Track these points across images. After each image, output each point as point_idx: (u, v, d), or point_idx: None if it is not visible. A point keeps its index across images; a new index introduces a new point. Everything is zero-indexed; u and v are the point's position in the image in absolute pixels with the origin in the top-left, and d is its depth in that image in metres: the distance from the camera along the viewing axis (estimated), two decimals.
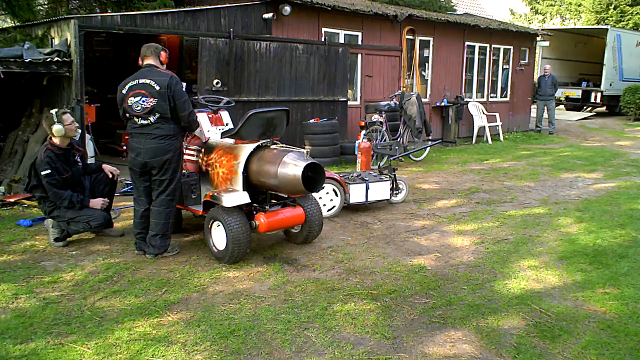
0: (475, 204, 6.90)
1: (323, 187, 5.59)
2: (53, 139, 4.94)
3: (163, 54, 4.72)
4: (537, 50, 17.33)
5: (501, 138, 13.57)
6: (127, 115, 4.58)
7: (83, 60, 7.23)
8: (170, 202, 4.68)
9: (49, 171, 4.81)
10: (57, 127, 4.83)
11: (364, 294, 4.03)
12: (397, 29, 11.42)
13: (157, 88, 4.48)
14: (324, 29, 10.13)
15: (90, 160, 7.83)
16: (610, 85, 19.18)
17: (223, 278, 4.31)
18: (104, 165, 5.39)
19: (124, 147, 7.94)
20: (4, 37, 8.76)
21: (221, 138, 5.20)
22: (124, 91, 4.58)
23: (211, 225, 4.67)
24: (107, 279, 4.25)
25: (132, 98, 4.52)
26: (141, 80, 4.54)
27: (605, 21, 27.30)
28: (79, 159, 5.16)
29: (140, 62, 4.72)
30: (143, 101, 4.48)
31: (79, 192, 5.07)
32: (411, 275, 4.42)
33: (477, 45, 13.51)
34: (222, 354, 3.16)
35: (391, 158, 7.36)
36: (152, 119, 4.50)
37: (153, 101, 4.48)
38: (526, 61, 15.07)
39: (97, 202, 5.13)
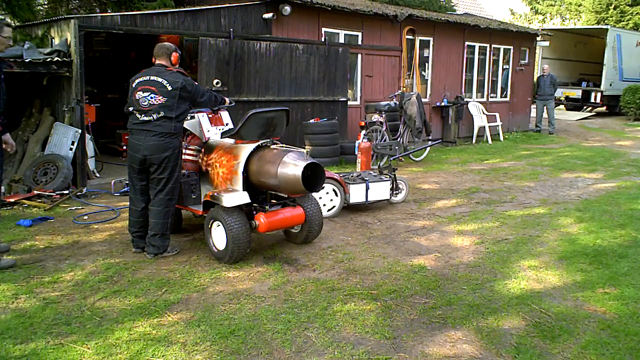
0: (475, 204, 6.90)
1: (323, 187, 5.58)
2: None
3: (174, 54, 4.73)
4: (537, 50, 17.32)
5: (501, 138, 13.57)
6: (131, 109, 4.60)
7: (83, 60, 7.23)
8: (169, 201, 4.68)
9: None
10: None
11: (364, 294, 4.03)
12: (397, 29, 11.41)
13: (169, 88, 4.52)
14: (324, 29, 10.13)
15: (91, 161, 7.91)
16: (610, 85, 19.18)
17: (223, 278, 4.31)
18: (6, 136, 4.63)
19: (124, 147, 7.96)
20: None
21: (221, 138, 5.21)
22: (133, 85, 4.63)
23: (211, 225, 4.68)
24: (107, 279, 4.25)
25: (140, 92, 4.55)
26: (152, 78, 4.57)
27: (605, 21, 27.29)
28: (2, 78, 4.46)
29: (153, 61, 4.77)
30: (151, 97, 4.50)
31: None
32: (411, 275, 4.42)
33: (477, 45, 13.50)
34: (222, 354, 3.16)
35: (391, 158, 7.36)
36: (155, 116, 4.50)
37: (162, 99, 4.50)
38: (526, 61, 15.07)
39: (7, 139, 4.56)
